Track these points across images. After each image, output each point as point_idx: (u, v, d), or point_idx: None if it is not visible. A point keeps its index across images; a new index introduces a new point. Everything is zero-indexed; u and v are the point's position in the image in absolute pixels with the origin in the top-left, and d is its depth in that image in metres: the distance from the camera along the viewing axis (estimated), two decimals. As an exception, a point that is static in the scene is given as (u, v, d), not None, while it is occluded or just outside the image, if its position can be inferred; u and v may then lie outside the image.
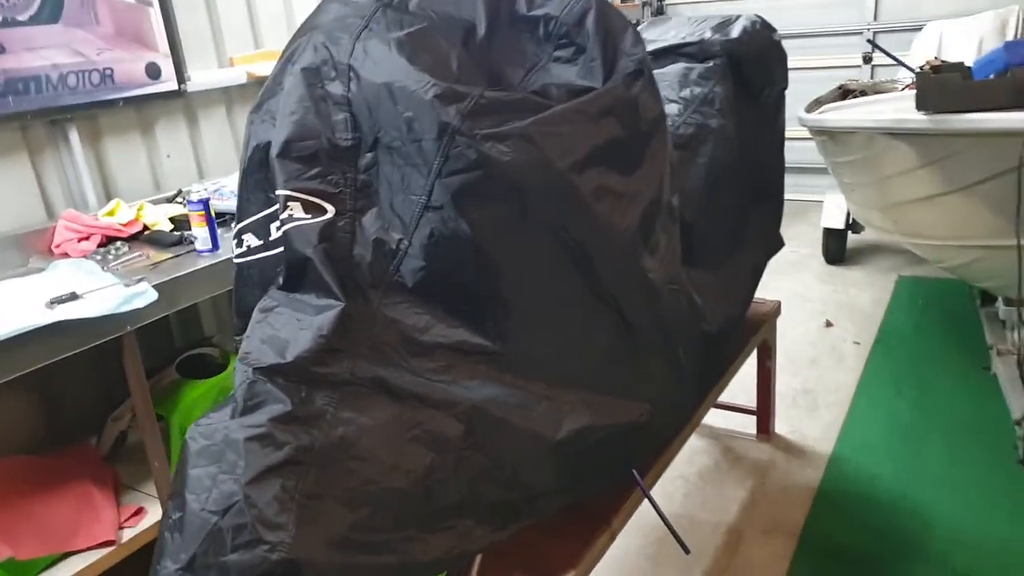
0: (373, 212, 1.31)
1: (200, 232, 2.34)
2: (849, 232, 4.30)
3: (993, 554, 2.13)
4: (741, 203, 2.07)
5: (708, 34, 2.10)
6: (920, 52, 3.84)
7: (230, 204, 2.62)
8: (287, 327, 1.27)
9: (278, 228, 1.36)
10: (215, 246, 2.36)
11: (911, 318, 3.61)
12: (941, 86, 2.05)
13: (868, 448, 2.68)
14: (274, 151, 1.31)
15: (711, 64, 2.06)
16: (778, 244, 2.32)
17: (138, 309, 2.06)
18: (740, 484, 2.56)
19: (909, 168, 2.23)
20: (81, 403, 2.60)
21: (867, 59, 4.20)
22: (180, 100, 2.85)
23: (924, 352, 3.25)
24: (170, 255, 2.37)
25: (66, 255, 2.42)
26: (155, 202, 2.72)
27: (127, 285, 2.12)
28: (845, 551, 2.24)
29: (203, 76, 2.91)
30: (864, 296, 3.97)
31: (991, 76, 2.18)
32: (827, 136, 2.66)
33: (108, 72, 2.56)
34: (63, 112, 2.48)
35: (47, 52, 2.40)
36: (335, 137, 1.30)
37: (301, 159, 1.30)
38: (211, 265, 2.30)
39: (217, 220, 2.41)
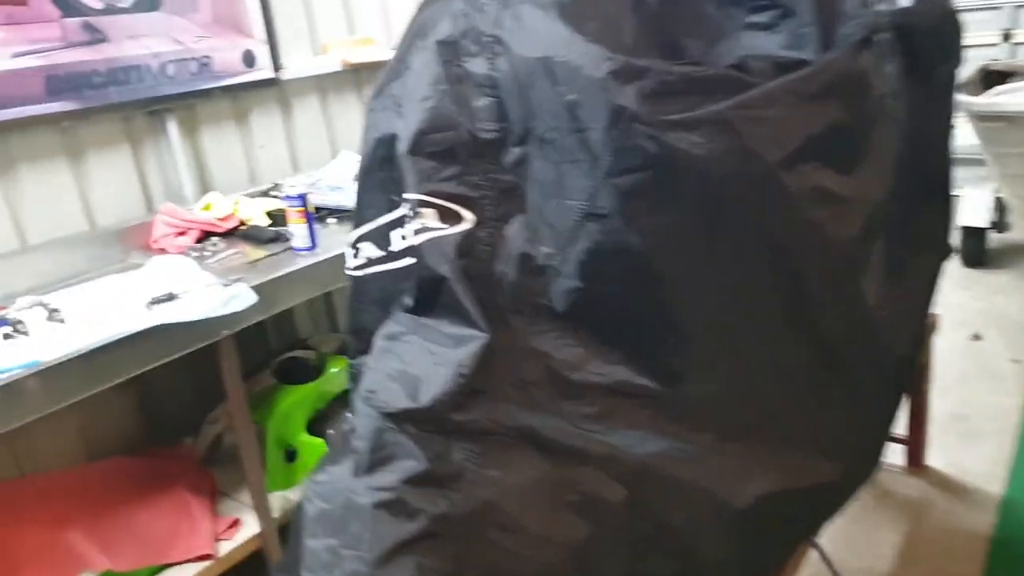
0: (519, 220, 1.03)
1: (298, 229, 2.12)
2: (992, 231, 3.72)
3: None
4: (914, 199, 1.71)
5: (874, 3, 1.73)
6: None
7: (327, 199, 2.39)
8: (418, 361, 1.01)
9: (403, 238, 1.09)
10: (313, 244, 2.13)
11: None
12: None
13: None
14: (403, 146, 1.04)
15: (878, 38, 1.69)
16: (948, 249, 1.94)
17: (237, 312, 1.85)
18: (893, 526, 2.18)
19: None
20: (175, 403, 2.42)
21: (1007, 36, 3.68)
22: (274, 89, 2.63)
23: None
24: (267, 253, 2.16)
25: (164, 251, 2.23)
26: (250, 195, 2.51)
27: (225, 285, 1.91)
28: None
29: (297, 64, 2.67)
30: (1013, 305, 3.44)
31: None
32: (1004, 122, 2.25)
33: (206, 60, 2.35)
34: (163, 102, 2.29)
35: (148, 41, 2.21)
36: (476, 127, 1.02)
37: (435, 155, 1.03)
38: (310, 265, 2.07)
39: (315, 215, 2.18)
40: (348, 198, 2.38)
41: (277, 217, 2.34)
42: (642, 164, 0.93)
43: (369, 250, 1.16)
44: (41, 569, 1.87)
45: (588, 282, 1.00)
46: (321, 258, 2.09)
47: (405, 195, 1.03)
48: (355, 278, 1.20)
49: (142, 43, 2.20)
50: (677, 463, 1.06)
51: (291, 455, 2.29)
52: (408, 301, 1.06)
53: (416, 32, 1.10)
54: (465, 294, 0.99)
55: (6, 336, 1.73)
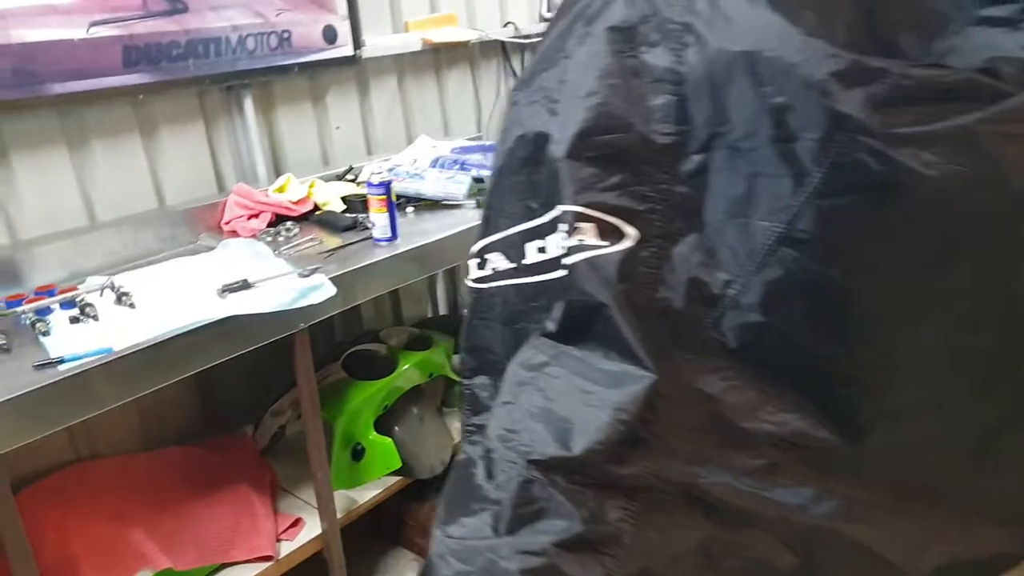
0: (691, 240, 0.87)
1: (379, 219, 1.98)
2: None
3: None
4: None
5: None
6: None
7: (406, 187, 2.25)
8: (567, 399, 0.86)
9: (542, 251, 0.95)
10: (394, 235, 2.00)
11: None
12: None
13: None
14: (558, 149, 0.88)
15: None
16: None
17: (314, 305, 1.74)
18: None
19: None
20: (237, 391, 2.32)
21: None
22: (352, 68, 2.48)
23: None
24: (344, 241, 2.03)
25: (235, 233, 2.12)
26: (325, 179, 2.39)
27: (302, 276, 1.79)
28: None
29: (377, 42, 2.53)
30: None
31: None
32: None
33: (286, 35, 2.21)
34: (240, 77, 2.14)
35: (228, 12, 2.07)
36: (651, 130, 0.86)
37: (599, 161, 0.87)
38: (391, 257, 1.94)
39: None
40: (428, 187, 2.25)
41: (353, 203, 2.21)
42: (860, 184, 0.77)
43: (498, 261, 1.01)
44: (100, 564, 1.78)
45: (771, 317, 0.84)
46: (402, 250, 1.95)
47: (560, 206, 0.88)
48: (478, 291, 1.06)
49: (223, 15, 2.06)
50: (852, 527, 0.91)
51: (358, 453, 2.18)
52: (550, 326, 0.92)
53: (578, 15, 0.94)
54: (628, 326, 0.84)
55: (73, 320, 1.63)
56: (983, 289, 0.84)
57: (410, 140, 2.65)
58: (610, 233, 0.86)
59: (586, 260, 0.86)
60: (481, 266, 1.05)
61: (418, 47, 2.61)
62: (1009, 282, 0.84)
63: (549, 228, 0.93)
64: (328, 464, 1.99)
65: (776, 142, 0.80)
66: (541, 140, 0.93)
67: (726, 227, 0.85)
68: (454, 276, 2.94)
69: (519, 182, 0.98)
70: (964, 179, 0.76)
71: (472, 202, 2.20)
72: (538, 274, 0.95)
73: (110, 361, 1.47)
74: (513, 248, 1.00)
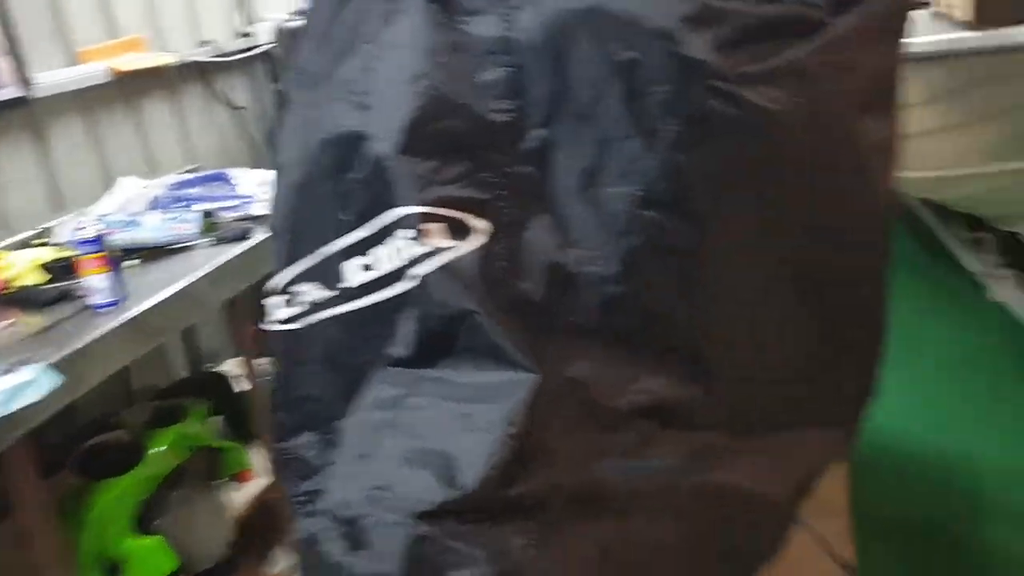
0: (544, 222, 0.80)
1: (96, 281, 1.64)
2: None
3: None
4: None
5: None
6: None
7: (121, 237, 1.91)
8: (441, 430, 0.74)
9: (368, 268, 0.81)
10: (120, 298, 1.67)
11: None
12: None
13: (886, 407, 2.47)
14: (384, 146, 0.76)
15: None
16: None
17: (30, 406, 1.38)
18: None
19: (933, 96, 1.98)
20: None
21: None
22: (22, 111, 2.06)
23: (907, 296, 3.12)
24: (52, 319, 1.65)
25: None
26: (7, 248, 1.94)
27: (7, 371, 1.42)
28: (903, 521, 2.00)
29: (52, 77, 2.13)
30: None
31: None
32: None
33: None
34: None
35: None
36: (485, 108, 0.77)
37: (436, 152, 0.76)
38: (121, 325, 1.62)
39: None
40: (150, 233, 1.93)
41: (57, 270, 1.82)
42: (718, 130, 0.76)
43: (311, 292, 0.85)
44: None
45: (631, 286, 0.80)
46: (133, 313, 1.64)
47: (397, 209, 0.75)
48: (286, 333, 0.89)
49: None
50: (726, 474, 0.91)
51: (114, 571, 1.79)
52: (400, 352, 0.79)
53: (381, -13, 0.82)
54: (500, 327, 0.74)
55: None
56: (817, 217, 0.88)
57: (109, 186, 2.27)
58: (461, 231, 0.76)
59: (440, 266, 0.75)
60: (289, 303, 0.88)
61: (103, 78, 2.24)
62: (842, 208, 0.89)
63: (376, 239, 0.80)
64: (79, 593, 1.61)
65: (625, 101, 0.76)
66: (354, 140, 0.79)
67: (578, 202, 0.80)
68: (192, 330, 2.58)
69: (323, 195, 0.84)
70: (803, 111, 0.78)
71: (208, 240, 1.94)
72: (369, 295, 0.82)
73: None
74: (329, 272, 0.85)
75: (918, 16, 2.33)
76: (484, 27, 0.79)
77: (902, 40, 0.93)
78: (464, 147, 0.77)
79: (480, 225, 0.77)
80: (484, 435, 0.73)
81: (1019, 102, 1.87)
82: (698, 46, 0.74)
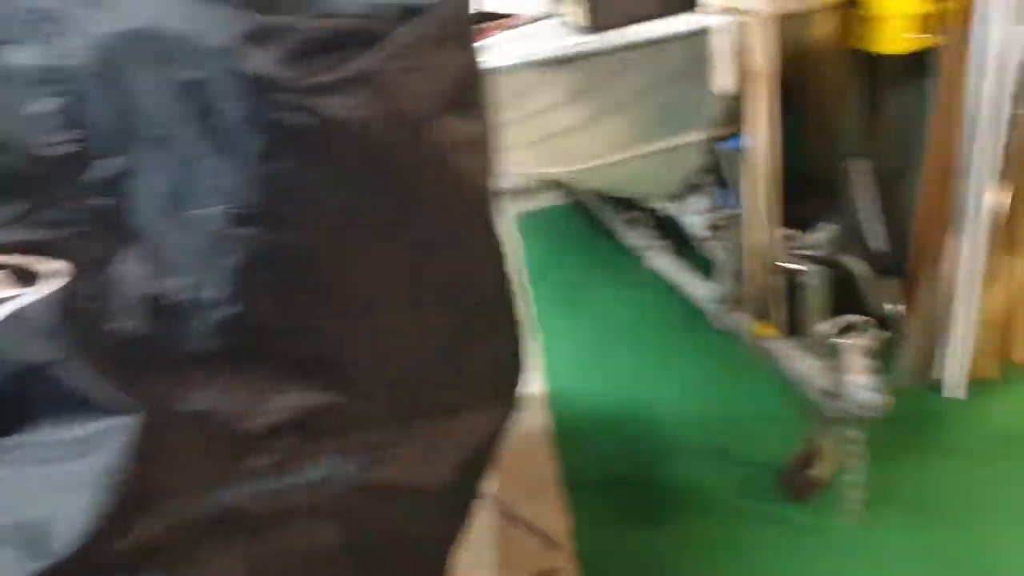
0: (133, 254, 0.76)
1: None
2: None
3: (732, 423, 2.31)
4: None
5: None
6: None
7: None
8: (26, 500, 0.68)
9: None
10: None
11: (549, 252, 3.76)
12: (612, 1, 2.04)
13: (573, 373, 2.71)
14: None
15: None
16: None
17: None
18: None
19: (567, 96, 2.21)
20: None
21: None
22: None
23: (578, 277, 3.42)
24: None
25: None
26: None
27: None
28: (607, 478, 2.22)
29: None
30: None
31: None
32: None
33: None
34: None
35: None
36: (38, 144, 0.71)
37: (-22, 196, 0.69)
38: None
39: None
40: None
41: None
42: (293, 141, 0.77)
43: None
44: None
45: (243, 304, 0.80)
46: None
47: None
48: None
49: None
50: (377, 473, 0.95)
51: None
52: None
53: None
54: (86, 374, 0.69)
55: None
56: (416, 216, 0.94)
57: None
58: (26, 276, 0.70)
59: (2, 319, 0.68)
60: None
61: None
62: (442, 202, 0.96)
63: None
64: None
65: (199, 120, 0.75)
66: None
67: (168, 228, 0.78)
68: None
69: None
70: (379, 115, 0.83)
71: None
72: None
73: None
74: None
75: (549, 24, 2.59)
76: (24, 56, 0.73)
77: (473, 44, 1.04)
78: (18, 186, 0.71)
79: (54, 267, 0.72)
80: (81, 492, 0.68)
81: (635, 93, 2.16)
82: (262, 62, 0.75)
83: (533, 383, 2.68)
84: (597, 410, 2.52)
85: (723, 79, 1.80)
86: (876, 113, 2.68)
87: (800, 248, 2.74)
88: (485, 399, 1.16)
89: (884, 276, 2.55)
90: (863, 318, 1.77)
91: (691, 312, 2.56)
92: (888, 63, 2.46)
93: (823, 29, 2.44)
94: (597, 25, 2.01)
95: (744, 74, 1.80)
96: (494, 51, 2.65)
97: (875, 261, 2.60)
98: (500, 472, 2.24)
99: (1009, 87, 2.08)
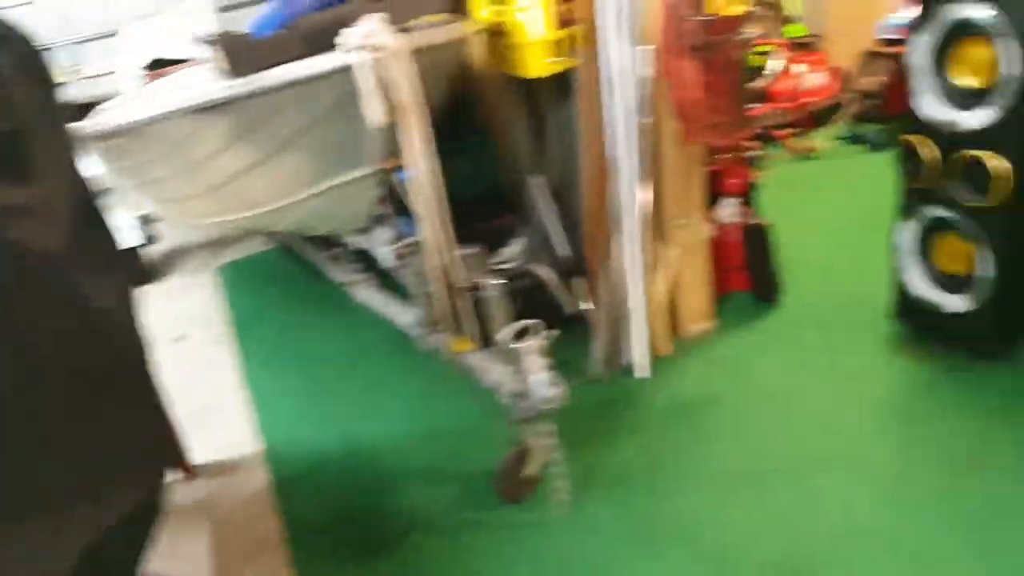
0: None
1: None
2: (150, 245, 3.82)
3: (446, 440, 2.37)
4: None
5: None
6: (131, 55, 3.58)
7: None
8: None
9: None
10: None
11: (257, 300, 3.61)
12: (251, 46, 2.00)
13: (290, 427, 2.62)
14: None
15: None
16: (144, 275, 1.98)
17: None
18: (195, 536, 2.18)
19: (229, 140, 2.13)
20: None
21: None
22: None
23: (290, 320, 3.32)
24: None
25: None
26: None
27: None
28: (337, 520, 2.17)
29: None
30: (196, 299, 3.76)
31: (277, 32, 2.22)
32: (123, 137, 2.28)
33: None
34: None
35: None
36: None
37: None
38: None
39: None
40: None
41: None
42: None
43: None
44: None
45: None
46: None
47: None
48: None
49: None
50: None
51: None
52: None
53: None
54: None
55: None
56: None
57: None
58: None
59: None
60: None
61: None
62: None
63: None
64: None
65: None
66: None
67: None
68: None
69: None
70: None
71: None
72: None
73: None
74: None
75: (200, 71, 2.51)
76: None
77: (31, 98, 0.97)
78: None
79: None
80: None
81: (296, 133, 2.16)
82: None
83: (246, 443, 2.56)
84: (317, 454, 2.47)
85: (374, 113, 1.86)
86: (542, 131, 2.93)
87: (496, 263, 2.91)
88: (116, 482, 1.08)
89: (572, 278, 2.78)
90: (534, 321, 1.91)
91: (400, 340, 2.60)
92: (542, 85, 2.71)
93: (483, 57, 2.63)
94: (237, 70, 1.99)
95: (391, 107, 1.87)
96: (142, 101, 2.52)
97: (563, 266, 2.83)
98: (216, 539, 2.13)
99: (634, 100, 2.38)
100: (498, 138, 3.00)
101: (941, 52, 2.31)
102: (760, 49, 4.96)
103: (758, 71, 4.82)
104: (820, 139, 4.77)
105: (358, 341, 3.05)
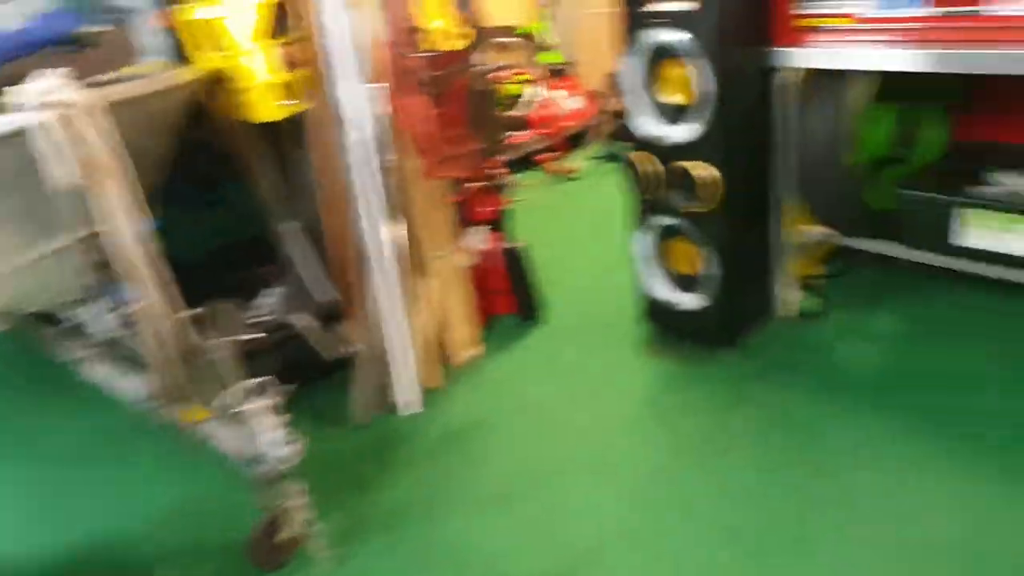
0: None
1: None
2: None
3: (195, 518, 2.15)
4: None
5: None
6: None
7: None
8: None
9: None
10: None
11: None
12: None
13: (21, 534, 2.28)
14: None
15: None
16: None
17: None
18: None
19: None
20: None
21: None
22: None
23: (17, 407, 2.94)
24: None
25: None
26: None
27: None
28: None
29: None
30: None
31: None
32: None
33: None
34: None
35: None
36: None
37: None
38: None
39: None
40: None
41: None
42: None
43: None
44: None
45: None
46: None
47: None
48: None
49: None
50: None
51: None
52: None
53: None
54: None
55: None
56: None
57: None
58: None
59: None
60: None
61: None
62: None
63: None
64: None
65: None
66: None
67: None
68: None
69: None
70: None
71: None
72: None
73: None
74: None
75: None
76: None
77: None
78: None
79: None
80: None
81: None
82: None
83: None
84: (51, 567, 2.17)
85: (62, 174, 1.70)
86: (286, 176, 2.85)
87: (251, 316, 2.77)
88: None
89: (334, 323, 2.71)
90: (261, 379, 1.82)
91: (139, 415, 2.38)
92: (281, 129, 2.64)
93: (215, 104, 2.50)
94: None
95: (84, 167, 1.72)
96: None
97: (323, 312, 2.75)
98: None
99: (371, 139, 2.37)
100: (251, 185, 2.88)
101: (649, 73, 2.52)
102: (518, 78, 5.20)
103: (515, 99, 5.04)
104: (578, 160, 5.05)
105: (94, 424, 2.77)
